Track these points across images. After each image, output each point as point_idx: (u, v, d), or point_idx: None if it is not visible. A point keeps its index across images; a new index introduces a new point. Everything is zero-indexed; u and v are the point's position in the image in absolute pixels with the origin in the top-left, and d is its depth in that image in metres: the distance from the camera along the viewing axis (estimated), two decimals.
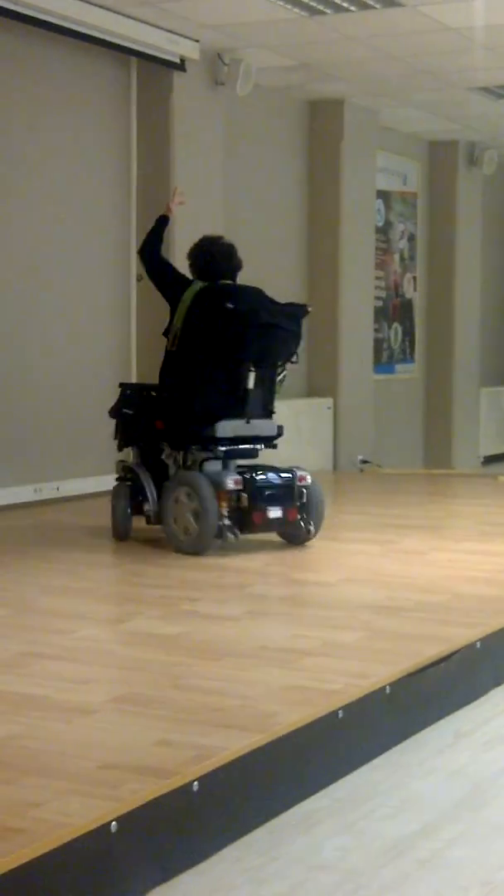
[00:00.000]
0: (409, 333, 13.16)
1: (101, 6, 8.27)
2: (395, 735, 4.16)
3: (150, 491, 6.77)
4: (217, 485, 6.45)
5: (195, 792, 3.19)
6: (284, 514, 6.61)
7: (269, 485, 6.61)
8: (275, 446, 6.90)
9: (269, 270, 10.62)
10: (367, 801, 3.64)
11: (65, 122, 8.80)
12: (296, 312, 6.89)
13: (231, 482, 6.49)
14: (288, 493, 6.62)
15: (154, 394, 6.96)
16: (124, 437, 7.04)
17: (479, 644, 4.79)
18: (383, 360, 12.57)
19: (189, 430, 6.70)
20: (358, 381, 11.64)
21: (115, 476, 7.06)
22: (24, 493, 8.42)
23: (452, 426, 13.37)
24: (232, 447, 6.72)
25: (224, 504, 6.45)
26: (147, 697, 3.92)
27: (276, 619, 5.18)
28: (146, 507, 6.77)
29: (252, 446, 6.82)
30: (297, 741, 3.65)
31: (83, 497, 8.80)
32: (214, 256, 6.86)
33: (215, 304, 6.63)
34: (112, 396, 9.30)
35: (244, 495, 6.48)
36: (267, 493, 6.58)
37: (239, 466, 6.73)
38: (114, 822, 2.92)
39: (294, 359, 6.88)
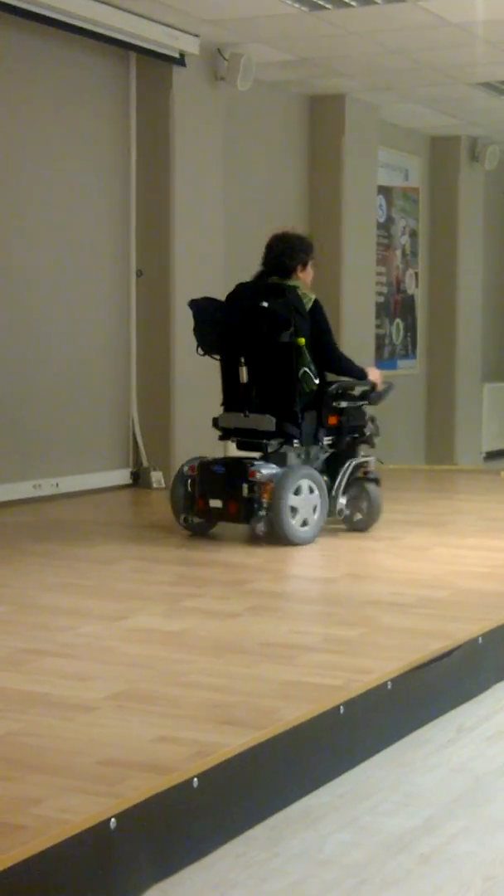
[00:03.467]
0: (410, 329, 13.14)
1: (100, 1, 8.24)
2: (397, 731, 4.14)
3: None
4: None
5: (195, 788, 3.18)
6: (225, 505, 6.78)
7: (213, 474, 6.82)
8: (275, 444, 6.85)
9: None
10: (369, 797, 3.62)
11: (64, 117, 8.78)
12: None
13: (186, 467, 6.97)
14: (231, 484, 6.72)
15: None
16: None
17: (481, 639, 4.78)
18: (385, 355, 12.55)
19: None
20: None
21: None
22: (23, 489, 8.41)
23: (455, 422, 13.36)
24: (237, 438, 7.05)
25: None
26: (147, 694, 3.91)
27: (277, 615, 5.16)
28: None
29: (248, 439, 6.96)
30: (299, 737, 3.64)
31: (83, 493, 8.79)
32: (265, 251, 7.18)
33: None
34: (110, 391, 9.31)
35: (195, 482, 6.91)
36: (210, 482, 6.83)
37: (244, 458, 6.95)
38: (113, 819, 2.90)
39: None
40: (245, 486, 6.69)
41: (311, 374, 6.75)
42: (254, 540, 6.70)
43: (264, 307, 6.76)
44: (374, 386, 7.11)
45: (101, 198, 9.17)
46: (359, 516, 7.08)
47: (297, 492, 6.66)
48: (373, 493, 7.05)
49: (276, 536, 6.66)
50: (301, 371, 6.74)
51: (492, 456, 14.00)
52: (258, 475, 6.69)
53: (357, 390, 7.08)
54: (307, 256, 7.07)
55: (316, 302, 6.91)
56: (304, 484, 6.70)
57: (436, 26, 8.81)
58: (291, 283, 6.95)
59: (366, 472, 7.04)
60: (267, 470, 6.72)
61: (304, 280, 7.06)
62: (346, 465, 6.98)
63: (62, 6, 8.04)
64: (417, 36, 9.15)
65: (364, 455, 7.11)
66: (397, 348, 12.88)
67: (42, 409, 8.62)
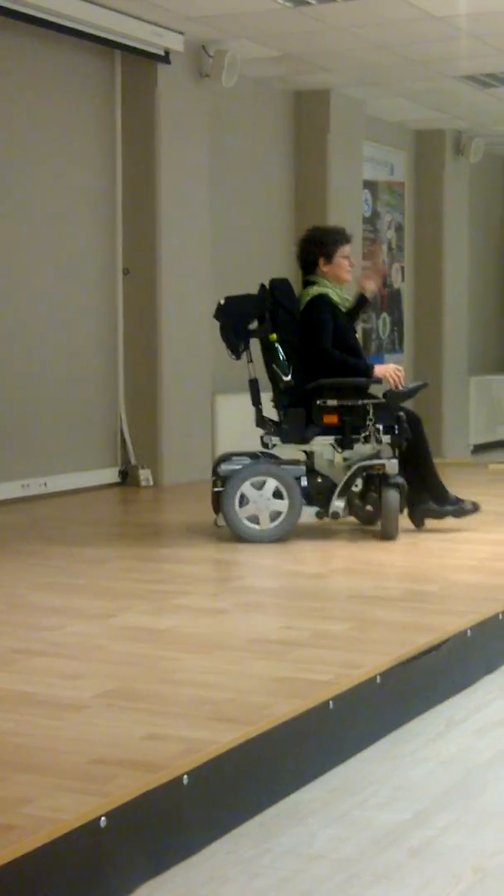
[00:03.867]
0: (397, 323, 13.15)
1: None
2: (386, 724, 4.15)
3: None
4: None
5: (185, 785, 3.18)
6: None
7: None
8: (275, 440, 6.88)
9: (256, 262, 10.61)
10: (359, 791, 3.63)
11: (49, 115, 8.77)
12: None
13: None
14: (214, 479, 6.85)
15: None
16: None
17: (469, 632, 4.79)
18: (372, 350, 12.56)
19: None
20: None
21: None
22: (11, 489, 8.40)
23: (442, 415, 13.36)
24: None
25: None
26: (137, 692, 3.92)
27: (266, 611, 5.18)
28: None
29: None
30: (289, 733, 3.64)
31: (71, 492, 8.78)
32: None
33: None
34: (98, 390, 9.31)
35: None
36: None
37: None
38: (103, 818, 2.91)
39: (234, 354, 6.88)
40: (215, 479, 6.74)
41: (278, 371, 6.67)
42: (240, 537, 6.70)
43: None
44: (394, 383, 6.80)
45: (88, 196, 9.16)
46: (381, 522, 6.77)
47: (253, 487, 6.66)
48: (387, 498, 6.64)
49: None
50: (272, 367, 6.70)
51: (479, 448, 14.02)
52: (220, 469, 6.72)
53: (367, 388, 6.81)
54: (327, 249, 6.87)
55: (312, 301, 6.79)
56: (251, 482, 6.65)
57: (420, 20, 8.82)
58: (314, 277, 6.88)
59: (384, 477, 6.66)
60: (230, 465, 6.75)
61: (331, 273, 6.88)
62: (351, 467, 6.70)
63: (47, 5, 8.03)
64: (402, 30, 9.15)
65: (377, 458, 6.72)
66: (384, 342, 12.89)
67: (30, 408, 8.61)
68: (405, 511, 6.83)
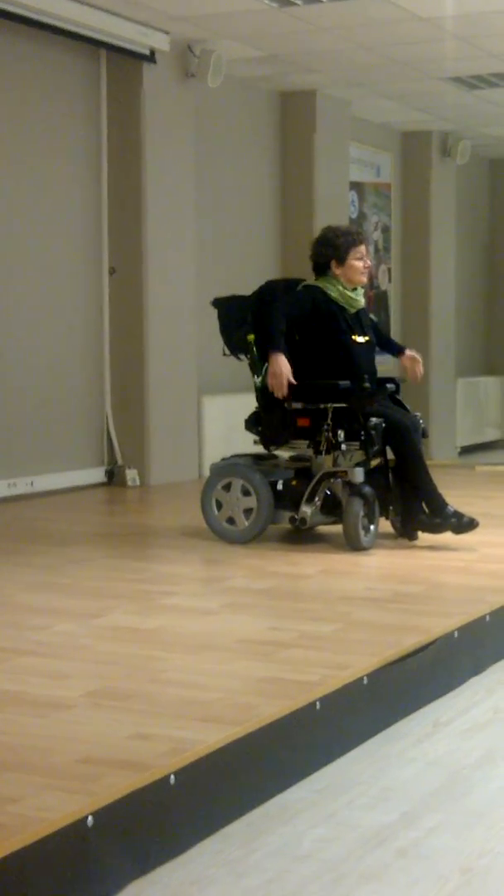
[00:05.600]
0: (384, 325, 13.14)
1: None
2: (373, 725, 4.15)
3: None
4: None
5: (172, 785, 3.17)
6: None
7: None
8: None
9: (242, 263, 10.61)
10: (346, 792, 3.62)
11: (35, 115, 8.75)
12: None
13: None
14: None
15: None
16: None
17: (456, 634, 4.79)
18: None
19: None
20: None
21: None
22: None
23: (429, 417, 13.32)
24: None
25: None
26: (123, 691, 3.90)
27: (253, 612, 5.16)
28: None
29: None
30: (276, 733, 3.64)
31: (58, 492, 8.76)
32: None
33: None
34: (85, 389, 9.29)
35: None
36: None
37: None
38: (90, 817, 2.90)
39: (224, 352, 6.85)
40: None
41: (251, 371, 6.65)
42: (223, 539, 6.72)
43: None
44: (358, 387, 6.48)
45: (73, 196, 9.14)
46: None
47: (226, 488, 6.70)
48: (347, 507, 6.39)
49: None
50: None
51: (467, 450, 14.03)
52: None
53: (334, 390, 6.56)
54: (339, 251, 6.66)
55: (298, 290, 6.68)
56: (220, 485, 6.70)
57: (406, 21, 8.82)
58: (325, 279, 6.72)
59: (349, 485, 6.40)
60: (215, 466, 6.86)
61: (343, 275, 6.68)
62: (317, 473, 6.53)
63: (32, 3, 8.00)
64: (388, 31, 9.15)
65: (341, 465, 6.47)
66: None
67: (16, 407, 8.59)
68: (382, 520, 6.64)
